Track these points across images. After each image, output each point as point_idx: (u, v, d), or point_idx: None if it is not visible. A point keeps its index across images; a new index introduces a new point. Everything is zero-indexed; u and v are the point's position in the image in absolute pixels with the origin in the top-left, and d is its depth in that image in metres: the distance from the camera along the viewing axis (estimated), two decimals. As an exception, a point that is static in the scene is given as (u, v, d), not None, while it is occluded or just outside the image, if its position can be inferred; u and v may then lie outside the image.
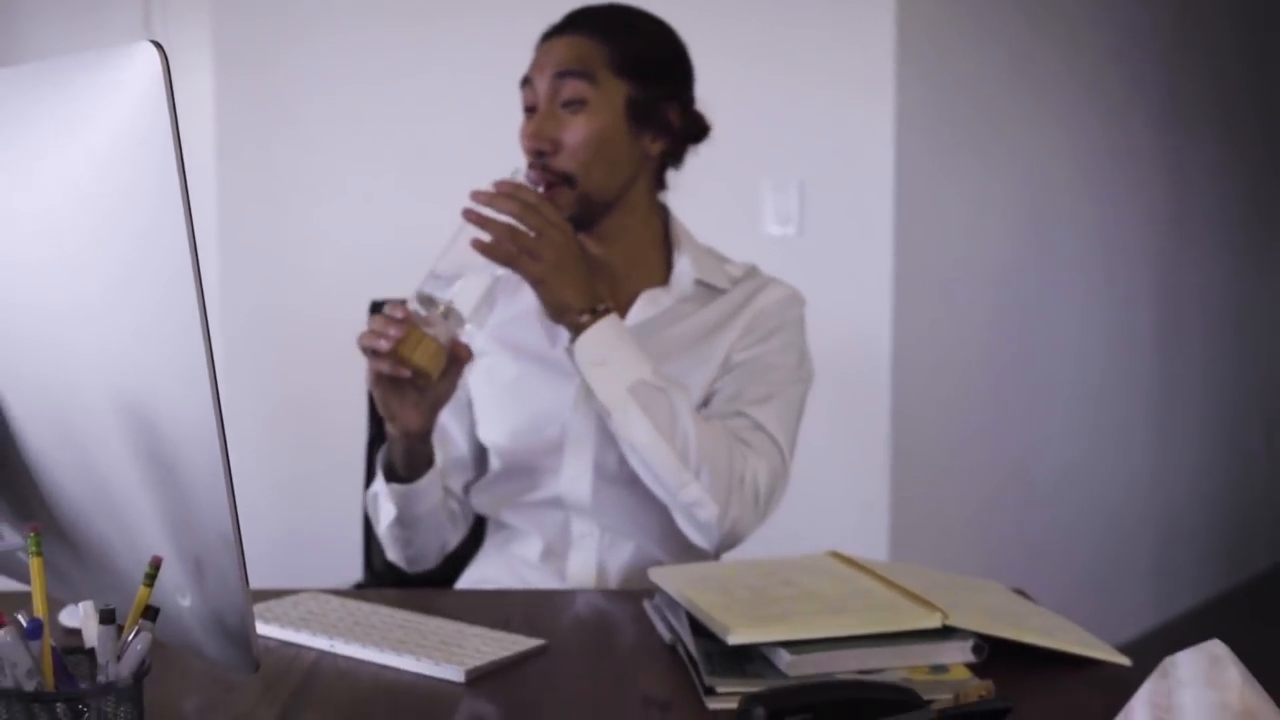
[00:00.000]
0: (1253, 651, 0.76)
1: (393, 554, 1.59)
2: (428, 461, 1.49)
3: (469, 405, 1.63)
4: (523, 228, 1.38)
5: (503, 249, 1.37)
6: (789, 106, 2.77)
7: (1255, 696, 0.57)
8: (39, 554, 0.76)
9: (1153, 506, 3.88)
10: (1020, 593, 1.30)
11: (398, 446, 1.46)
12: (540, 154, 1.47)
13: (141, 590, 0.77)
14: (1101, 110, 3.55)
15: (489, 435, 1.60)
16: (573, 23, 1.53)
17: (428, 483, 1.49)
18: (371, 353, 1.34)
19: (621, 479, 1.52)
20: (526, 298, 1.56)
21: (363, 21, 2.85)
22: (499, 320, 1.60)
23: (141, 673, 0.77)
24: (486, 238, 1.37)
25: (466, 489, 1.65)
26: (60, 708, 0.73)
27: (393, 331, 1.32)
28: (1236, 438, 4.39)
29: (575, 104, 1.47)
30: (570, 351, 1.44)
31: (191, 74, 2.92)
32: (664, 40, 1.56)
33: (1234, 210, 4.28)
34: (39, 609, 0.75)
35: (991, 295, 3.18)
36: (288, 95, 2.85)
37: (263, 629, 1.15)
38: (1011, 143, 3.22)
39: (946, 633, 1.06)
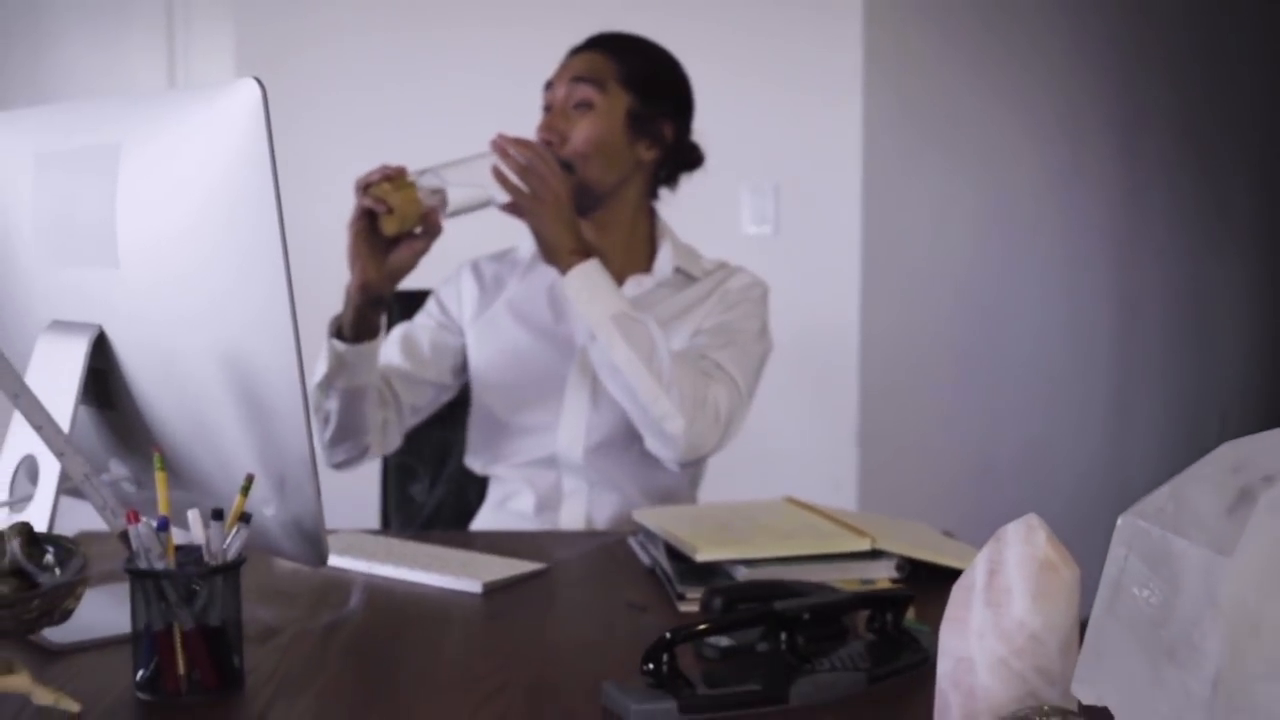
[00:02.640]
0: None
1: (315, 429, 1.70)
2: (372, 333, 1.66)
3: (457, 353, 1.86)
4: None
5: (511, 181, 1.62)
6: (765, 116, 3.00)
7: (1055, 551, 0.80)
8: (163, 469, 0.98)
9: (1108, 491, 4.11)
10: (947, 534, 1.53)
11: (350, 305, 1.64)
12: (548, 144, 1.71)
13: (239, 499, 1.00)
14: (1061, 111, 3.78)
15: (491, 398, 1.83)
16: (596, 42, 1.80)
17: (367, 350, 1.65)
18: (363, 190, 1.58)
19: (608, 442, 1.76)
20: (539, 278, 1.80)
21: (377, 25, 3.05)
22: (512, 294, 1.83)
23: (239, 561, 0.99)
24: (504, 168, 1.62)
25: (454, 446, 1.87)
26: (179, 583, 0.96)
27: (389, 171, 1.58)
28: (1192, 427, 4.62)
29: (584, 106, 1.73)
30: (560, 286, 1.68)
31: (214, 73, 3.14)
32: (669, 68, 1.83)
33: (1191, 206, 4.49)
34: (164, 509, 0.98)
35: (955, 289, 3.42)
36: (303, 95, 3.05)
37: (310, 556, 1.38)
38: (974, 144, 3.46)
39: (875, 554, 1.29)
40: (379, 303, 1.65)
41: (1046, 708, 0.73)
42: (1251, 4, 4.63)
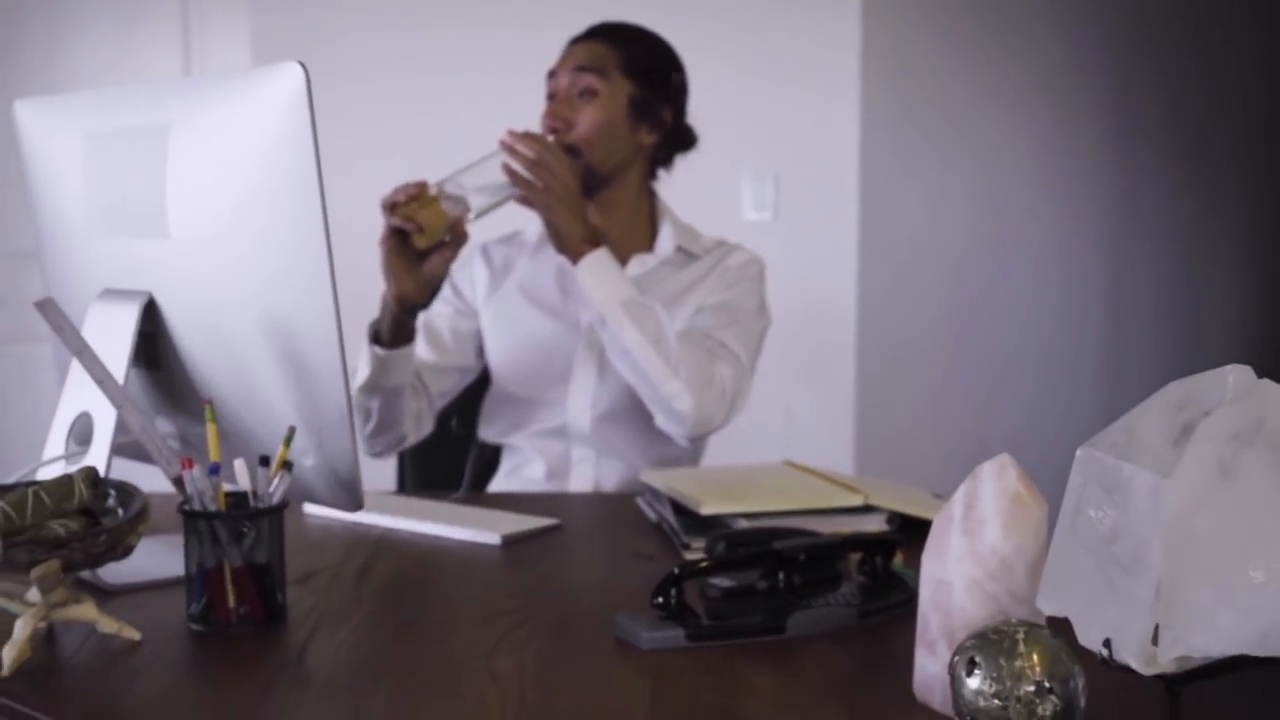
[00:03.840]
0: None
1: (356, 425, 1.77)
2: (409, 338, 1.75)
3: (476, 335, 1.95)
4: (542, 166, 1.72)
5: (523, 176, 1.70)
6: (766, 107, 3.10)
7: (1024, 487, 0.89)
8: (214, 421, 1.07)
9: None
10: (937, 496, 1.62)
11: (387, 314, 1.72)
12: (555, 131, 1.80)
13: (282, 449, 1.09)
14: (1053, 104, 3.87)
15: (505, 374, 1.92)
16: (596, 32, 1.89)
17: (404, 354, 1.74)
18: (390, 209, 1.65)
19: (614, 413, 1.85)
20: (546, 259, 1.89)
21: (389, 20, 3.14)
22: (521, 276, 1.92)
23: (283, 505, 1.08)
24: (515, 165, 1.70)
25: (452, 415, 1.95)
26: (230, 524, 1.05)
27: (411, 190, 1.64)
28: (1184, 413, 4.70)
29: (588, 94, 1.81)
30: (572, 275, 1.76)
31: (229, 66, 3.22)
32: (666, 55, 1.91)
33: (1183, 197, 4.58)
34: (215, 456, 1.07)
35: (948, 274, 3.52)
36: (317, 88, 3.14)
37: (338, 512, 1.47)
38: (967, 137, 3.55)
39: (867, 509, 1.38)
40: (415, 310, 1.74)
41: (1015, 621, 0.82)
42: (1244, 3, 4.71)
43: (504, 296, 1.93)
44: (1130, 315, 4.30)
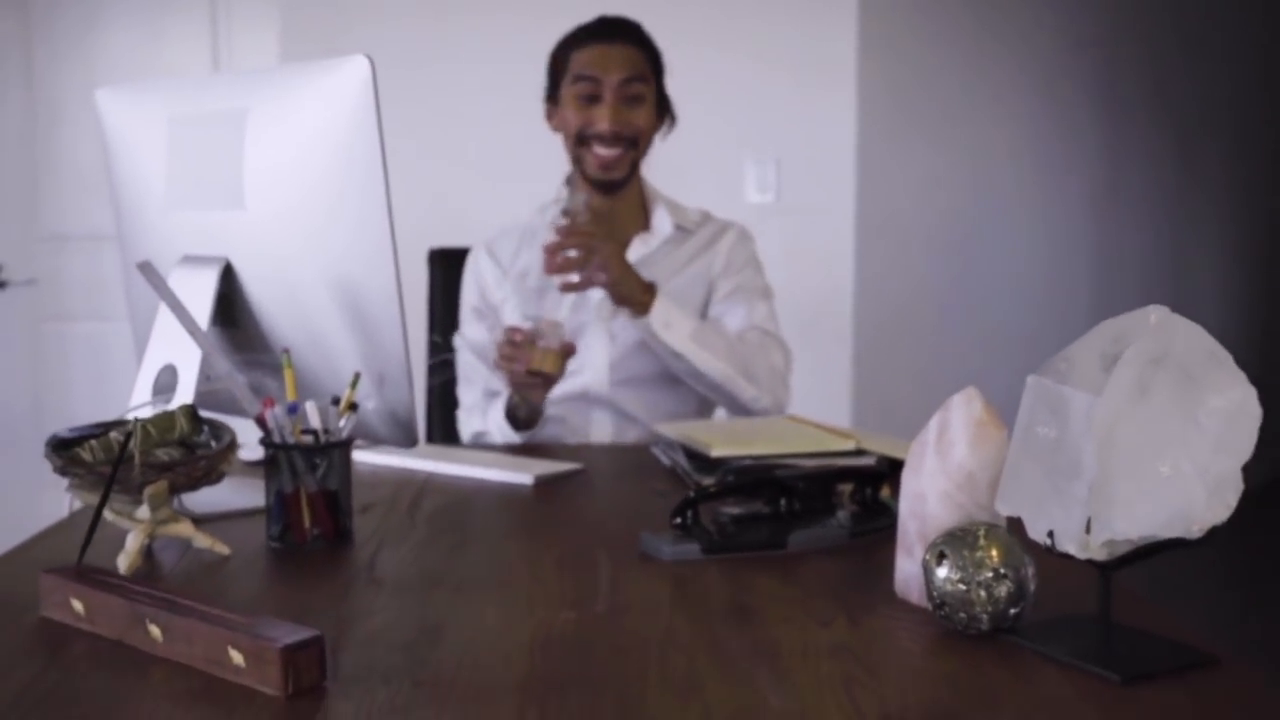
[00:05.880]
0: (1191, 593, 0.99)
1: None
2: (541, 413, 1.93)
3: None
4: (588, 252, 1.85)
5: (584, 280, 1.85)
6: (768, 96, 3.26)
7: (988, 414, 1.05)
8: (290, 366, 1.24)
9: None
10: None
11: (523, 409, 1.90)
12: (618, 135, 1.96)
13: (348, 391, 1.25)
14: (1042, 91, 4.03)
15: None
16: (621, 34, 2.02)
17: (540, 425, 1.93)
18: (512, 371, 1.79)
19: (631, 378, 2.02)
20: (543, 241, 2.04)
21: (418, 10, 3.28)
22: (527, 264, 2.07)
23: (350, 439, 1.25)
24: (569, 276, 1.85)
25: None
26: (305, 455, 1.22)
27: (522, 356, 1.77)
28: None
29: (638, 99, 1.98)
30: (642, 325, 1.90)
31: (258, 58, 3.37)
32: (656, 47, 2.06)
33: (1169, 181, 4.74)
34: (292, 396, 1.23)
35: (939, 252, 3.69)
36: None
37: (385, 459, 1.64)
38: (959, 122, 3.71)
39: (859, 453, 1.55)
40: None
41: (978, 523, 0.98)
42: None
43: (513, 286, 2.07)
44: (1116, 289, 4.46)
